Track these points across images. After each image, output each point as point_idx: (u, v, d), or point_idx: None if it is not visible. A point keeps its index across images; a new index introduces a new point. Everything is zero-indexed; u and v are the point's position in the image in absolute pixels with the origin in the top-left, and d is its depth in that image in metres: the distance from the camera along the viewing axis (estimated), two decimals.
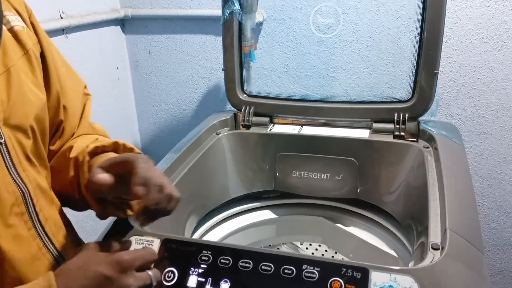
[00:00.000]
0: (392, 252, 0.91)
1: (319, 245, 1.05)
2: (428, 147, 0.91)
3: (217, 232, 0.99)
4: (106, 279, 0.52)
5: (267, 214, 1.07)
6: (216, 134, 1.04)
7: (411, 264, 0.62)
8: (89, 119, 0.71)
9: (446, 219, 0.65)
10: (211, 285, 0.60)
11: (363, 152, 0.95)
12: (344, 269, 0.57)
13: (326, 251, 1.14)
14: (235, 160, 1.02)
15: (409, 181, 0.89)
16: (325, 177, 0.99)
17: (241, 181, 1.02)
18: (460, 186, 0.75)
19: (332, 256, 1.12)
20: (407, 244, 0.88)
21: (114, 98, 1.42)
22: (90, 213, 0.63)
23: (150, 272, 0.57)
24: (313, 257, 0.59)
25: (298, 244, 1.05)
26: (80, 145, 0.65)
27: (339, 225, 1.02)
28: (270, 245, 1.16)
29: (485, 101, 1.19)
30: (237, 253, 0.62)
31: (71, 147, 0.64)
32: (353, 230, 1.00)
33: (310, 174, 1.00)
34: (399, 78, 1.07)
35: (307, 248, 1.05)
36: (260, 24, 1.23)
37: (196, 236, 0.93)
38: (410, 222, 0.84)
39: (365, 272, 0.57)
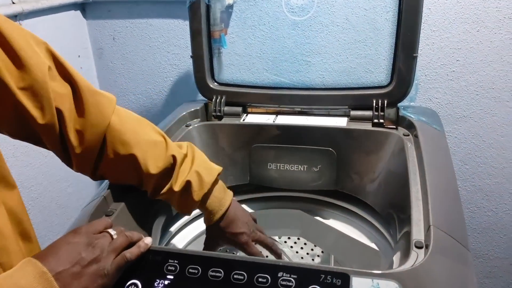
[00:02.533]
0: (373, 245, 0.88)
1: (298, 238, 1.01)
2: (408, 135, 0.87)
3: (190, 230, 0.94)
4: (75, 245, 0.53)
5: None
6: (185, 126, 0.97)
7: (395, 261, 0.58)
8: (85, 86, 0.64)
9: (430, 215, 0.61)
10: None
11: (341, 142, 0.91)
12: (323, 276, 0.53)
13: (305, 244, 1.10)
14: (207, 153, 0.94)
15: (389, 171, 0.85)
16: (302, 169, 0.94)
17: None
18: (443, 177, 0.72)
19: (312, 249, 1.09)
20: (387, 237, 0.85)
21: None
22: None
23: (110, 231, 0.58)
24: (289, 264, 0.55)
25: (276, 238, 1.01)
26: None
27: (318, 218, 0.98)
28: None
29: (464, 84, 1.15)
30: (206, 261, 0.57)
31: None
32: (332, 222, 0.96)
33: (287, 166, 0.95)
34: (377, 62, 1.03)
35: (285, 242, 1.01)
36: (230, 7, 1.15)
37: (166, 236, 0.87)
38: (391, 213, 0.81)
39: (345, 278, 0.52)
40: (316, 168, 0.93)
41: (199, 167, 0.71)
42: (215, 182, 0.72)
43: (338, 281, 0.52)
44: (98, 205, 0.69)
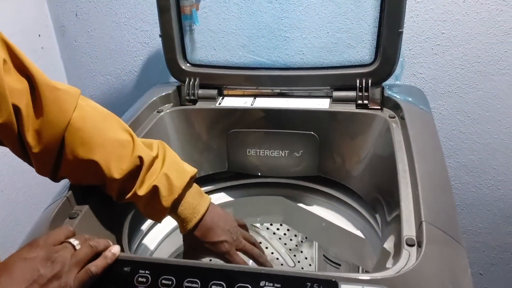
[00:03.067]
0: (358, 233, 0.84)
1: (281, 225, 0.97)
2: (394, 117, 0.82)
3: (163, 226, 0.88)
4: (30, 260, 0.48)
5: (222, 197, 0.97)
6: (157, 112, 0.90)
7: (388, 263, 0.54)
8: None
9: (421, 209, 0.57)
10: None
11: (324, 125, 0.86)
12: (309, 284, 0.48)
13: (288, 230, 1.06)
14: (181, 140, 0.89)
15: (375, 156, 0.80)
16: (283, 154, 0.89)
17: (189, 164, 0.90)
18: (433, 164, 0.67)
19: (295, 235, 1.05)
20: (373, 224, 0.81)
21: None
22: None
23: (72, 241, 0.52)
24: (272, 271, 0.50)
25: (258, 225, 0.97)
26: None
27: (300, 204, 0.94)
28: None
29: (449, 57, 1.11)
30: (181, 270, 0.52)
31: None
32: (315, 209, 0.92)
33: (267, 151, 0.89)
34: (359, 37, 0.97)
35: (267, 229, 0.97)
36: None
37: (137, 235, 0.81)
38: (377, 198, 0.77)
39: (334, 286, 0.48)
40: (297, 153, 0.88)
41: (169, 170, 0.64)
42: (187, 186, 0.65)
43: None
44: (60, 207, 0.63)
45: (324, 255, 1.04)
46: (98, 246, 0.53)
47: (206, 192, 0.94)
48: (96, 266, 0.51)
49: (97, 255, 0.53)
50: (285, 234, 1.10)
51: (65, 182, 0.69)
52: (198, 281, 0.50)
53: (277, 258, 0.98)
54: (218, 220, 0.68)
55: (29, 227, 0.65)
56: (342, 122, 0.85)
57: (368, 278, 0.48)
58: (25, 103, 0.56)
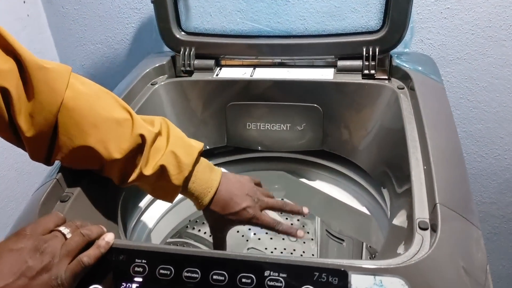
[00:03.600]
0: (364, 209, 0.81)
1: (282, 199, 0.94)
2: (403, 87, 0.77)
3: (162, 203, 0.85)
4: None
5: None
6: (151, 84, 0.85)
7: (400, 248, 0.51)
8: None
9: (435, 189, 0.53)
10: None
11: (328, 97, 0.81)
12: (317, 274, 0.45)
13: None
14: (177, 114, 0.85)
15: (382, 129, 0.76)
16: (285, 128, 0.85)
17: None
18: (445, 140, 0.63)
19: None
20: (379, 199, 0.78)
21: (27, 39, 1.17)
22: None
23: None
24: (277, 259, 0.47)
25: None
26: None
27: (303, 179, 0.91)
28: None
29: (459, 22, 1.04)
30: (180, 259, 0.48)
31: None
32: (318, 184, 0.89)
33: (268, 125, 0.85)
34: (366, 1, 0.90)
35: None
36: None
37: (136, 213, 0.78)
38: (384, 175, 0.73)
39: (343, 276, 0.45)
40: (300, 126, 0.84)
41: (175, 147, 0.60)
42: (196, 162, 0.62)
43: (335, 280, 0.45)
44: (50, 190, 0.59)
45: (327, 230, 1.01)
46: (90, 235, 0.49)
47: None
48: (88, 256, 0.47)
49: (89, 243, 0.49)
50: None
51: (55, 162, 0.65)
52: (198, 271, 0.47)
53: None
54: (234, 189, 0.64)
55: (23, 204, 0.61)
56: (347, 94, 0.80)
57: (381, 267, 0.45)
58: (15, 84, 0.52)
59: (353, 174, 0.83)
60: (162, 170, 0.59)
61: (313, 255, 0.86)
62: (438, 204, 0.51)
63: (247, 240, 0.90)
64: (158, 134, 0.60)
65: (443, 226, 0.48)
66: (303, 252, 0.87)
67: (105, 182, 0.65)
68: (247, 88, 0.84)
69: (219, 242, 0.69)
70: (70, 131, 0.55)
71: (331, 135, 0.83)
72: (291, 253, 0.86)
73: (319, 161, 0.88)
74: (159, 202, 0.83)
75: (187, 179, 0.61)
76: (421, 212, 0.53)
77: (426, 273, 0.44)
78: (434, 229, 0.50)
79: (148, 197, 0.80)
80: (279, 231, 0.67)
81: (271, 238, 0.89)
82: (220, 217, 0.64)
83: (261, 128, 0.85)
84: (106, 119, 0.56)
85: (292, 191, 0.91)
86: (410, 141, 0.64)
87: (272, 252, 0.86)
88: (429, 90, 0.74)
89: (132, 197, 0.75)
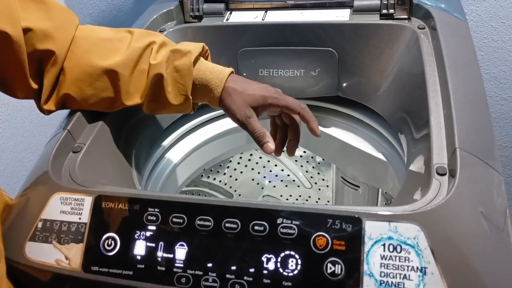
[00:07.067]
0: (380, 156, 0.80)
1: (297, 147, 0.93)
2: (424, 27, 0.72)
3: (180, 148, 0.85)
4: None
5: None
6: (159, 31, 0.82)
7: (416, 194, 0.50)
8: None
9: (455, 132, 0.51)
10: (163, 251, 0.48)
11: (344, 40, 0.77)
12: (331, 221, 0.45)
13: (304, 152, 1.03)
14: None
15: (401, 73, 0.73)
16: (298, 74, 0.82)
17: None
18: (468, 82, 0.60)
19: (312, 157, 1.02)
20: (396, 146, 0.76)
21: None
22: None
23: None
24: (290, 208, 0.46)
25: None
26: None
27: None
28: (242, 154, 1.04)
29: None
30: (193, 208, 0.48)
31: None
32: (333, 131, 0.87)
33: (281, 71, 0.82)
34: None
35: (283, 151, 0.93)
36: None
37: (154, 159, 0.78)
38: (402, 120, 0.71)
39: (357, 223, 0.44)
40: (314, 72, 0.81)
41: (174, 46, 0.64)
42: (199, 56, 0.64)
43: (349, 226, 0.44)
44: (61, 141, 0.59)
45: (342, 177, 1.01)
46: None
47: (216, 118, 0.90)
48: None
49: None
50: (301, 156, 1.07)
51: (65, 113, 0.65)
52: (211, 219, 0.47)
53: (294, 180, 0.95)
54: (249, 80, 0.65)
55: (39, 155, 0.62)
56: (364, 36, 0.76)
57: (396, 213, 0.44)
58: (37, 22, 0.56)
59: (369, 120, 0.81)
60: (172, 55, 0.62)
61: (328, 201, 0.86)
62: (457, 149, 0.49)
63: (262, 188, 0.90)
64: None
65: (462, 171, 0.47)
66: (318, 199, 0.87)
67: (118, 132, 0.65)
68: (259, 33, 0.80)
69: (252, 126, 0.64)
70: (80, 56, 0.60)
71: (347, 80, 0.80)
72: (306, 200, 0.86)
73: (334, 107, 0.86)
74: (174, 151, 0.83)
75: (196, 60, 0.62)
76: (440, 157, 0.51)
77: (442, 219, 0.43)
78: (452, 174, 0.48)
79: (163, 146, 0.80)
80: (301, 113, 0.65)
81: (286, 186, 0.89)
82: (240, 97, 0.62)
83: (274, 74, 0.83)
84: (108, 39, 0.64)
85: (306, 138, 0.89)
86: (430, 84, 0.61)
87: (287, 199, 0.86)
88: (452, 30, 0.70)
89: (146, 146, 0.75)
